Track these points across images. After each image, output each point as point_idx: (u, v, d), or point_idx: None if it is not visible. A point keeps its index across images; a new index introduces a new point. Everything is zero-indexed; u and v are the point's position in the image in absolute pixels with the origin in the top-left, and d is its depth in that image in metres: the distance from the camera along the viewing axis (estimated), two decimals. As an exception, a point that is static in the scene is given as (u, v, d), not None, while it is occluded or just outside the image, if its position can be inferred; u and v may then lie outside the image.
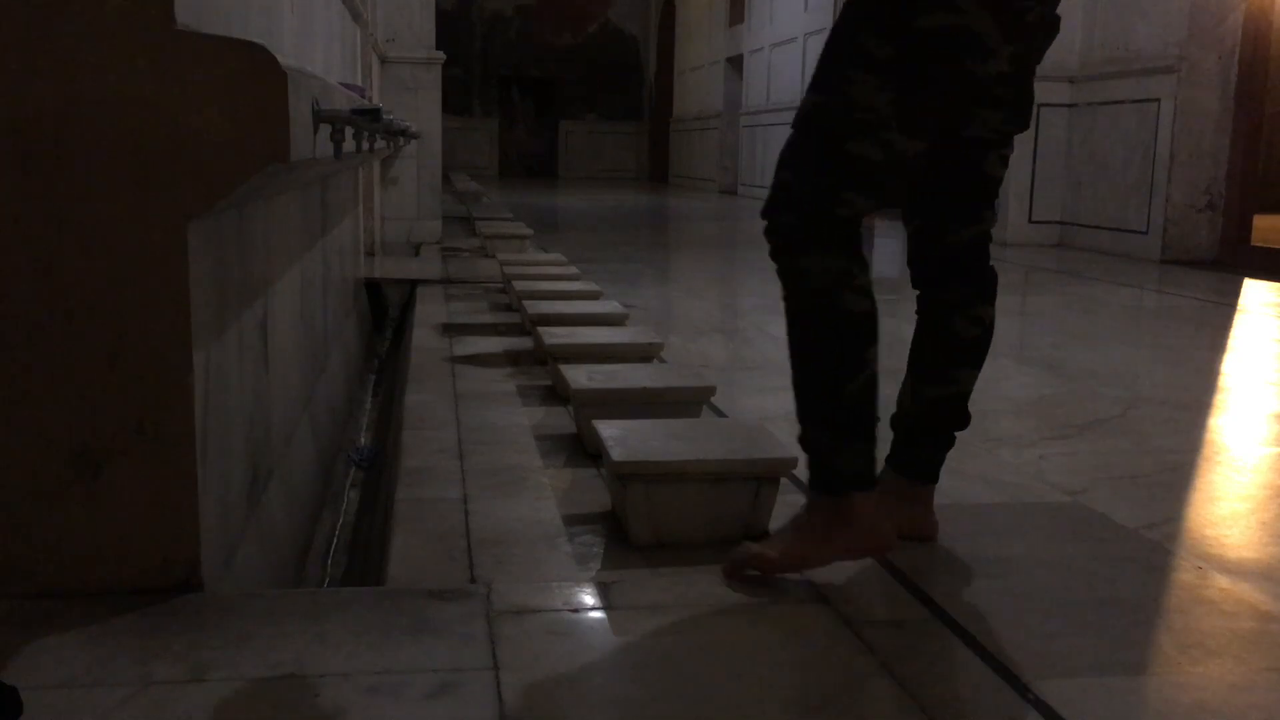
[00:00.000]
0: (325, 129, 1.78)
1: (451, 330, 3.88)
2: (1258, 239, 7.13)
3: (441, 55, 6.94)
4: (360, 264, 5.10)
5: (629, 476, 1.80)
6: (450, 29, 15.59)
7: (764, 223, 1.63)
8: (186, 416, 1.46)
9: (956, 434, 1.86)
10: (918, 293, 1.85)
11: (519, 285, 4.09)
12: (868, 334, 1.60)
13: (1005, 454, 2.46)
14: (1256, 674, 1.41)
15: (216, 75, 1.39)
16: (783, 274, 1.62)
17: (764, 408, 2.86)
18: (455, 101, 17.50)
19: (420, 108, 6.68)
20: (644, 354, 3.01)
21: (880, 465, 1.73)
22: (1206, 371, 3.65)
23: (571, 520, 1.95)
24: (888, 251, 8.43)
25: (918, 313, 1.85)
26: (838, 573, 1.68)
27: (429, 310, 4.32)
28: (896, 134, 1.56)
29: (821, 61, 1.62)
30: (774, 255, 1.62)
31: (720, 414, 2.66)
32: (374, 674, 1.31)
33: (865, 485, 1.62)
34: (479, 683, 1.30)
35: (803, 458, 1.69)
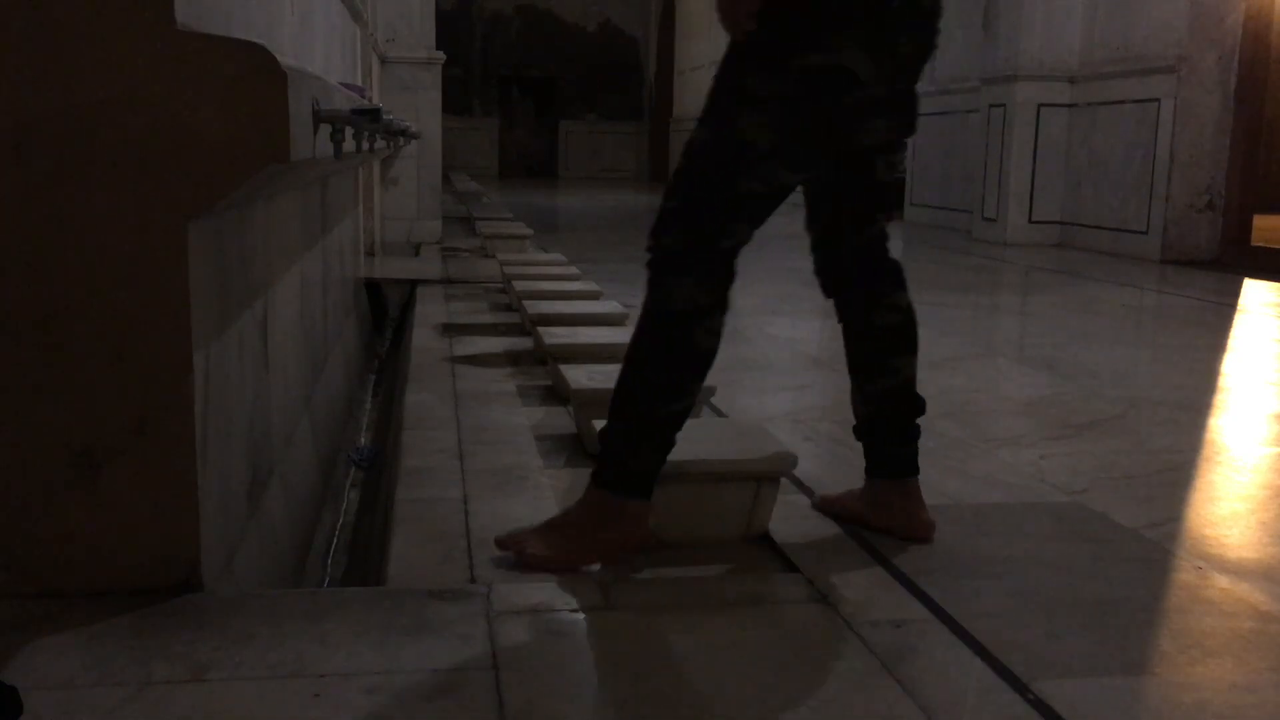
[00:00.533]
0: (325, 129, 1.78)
1: (451, 330, 3.88)
2: (1258, 239, 7.13)
3: (441, 55, 6.94)
4: (360, 264, 5.10)
5: (629, 476, 1.80)
6: (450, 29, 15.58)
7: (649, 242, 1.68)
8: (186, 416, 1.46)
9: (919, 422, 1.88)
10: (832, 300, 1.90)
11: (519, 285, 4.08)
12: (703, 369, 1.70)
13: (1005, 454, 2.46)
14: (1256, 674, 1.41)
15: (216, 75, 1.39)
16: (653, 287, 1.68)
17: (764, 408, 2.86)
18: (455, 101, 17.47)
19: (420, 108, 6.68)
20: (644, 354, 3.00)
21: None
22: (1206, 371, 3.65)
23: (571, 520, 1.94)
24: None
25: (839, 320, 1.90)
26: (838, 573, 1.68)
27: (429, 310, 4.32)
28: (779, 168, 1.65)
29: (710, 97, 1.67)
30: (650, 266, 1.69)
31: (720, 414, 2.66)
32: (374, 674, 1.31)
33: (644, 494, 1.71)
34: (479, 683, 1.30)
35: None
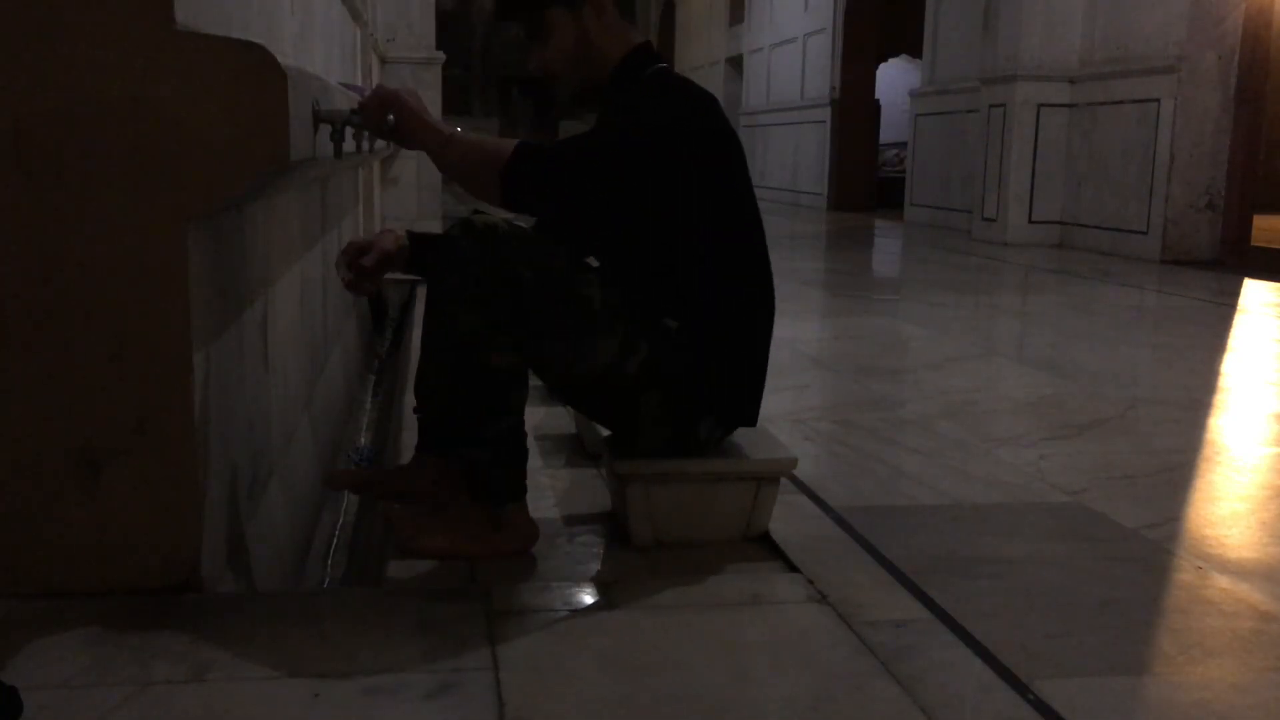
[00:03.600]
0: (325, 129, 1.77)
1: (451, 330, 3.87)
2: (1258, 239, 7.14)
3: (441, 55, 6.94)
4: (360, 264, 5.08)
5: (629, 477, 1.80)
6: (450, 29, 15.58)
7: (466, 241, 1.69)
8: (186, 416, 1.46)
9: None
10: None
11: (519, 285, 4.07)
12: (505, 385, 1.68)
13: (1005, 454, 2.46)
14: (1256, 674, 1.41)
15: (216, 75, 1.39)
16: (431, 305, 1.70)
17: (764, 407, 2.86)
18: (455, 102, 17.49)
19: (420, 108, 6.65)
20: (644, 354, 3.00)
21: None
22: (1206, 371, 3.65)
23: (571, 520, 1.95)
24: (890, 251, 8.44)
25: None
26: (838, 573, 1.68)
27: (429, 310, 4.31)
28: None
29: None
30: (440, 294, 1.68)
31: (720, 414, 2.65)
32: (374, 674, 1.31)
33: (517, 498, 1.76)
34: (479, 683, 1.30)
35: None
